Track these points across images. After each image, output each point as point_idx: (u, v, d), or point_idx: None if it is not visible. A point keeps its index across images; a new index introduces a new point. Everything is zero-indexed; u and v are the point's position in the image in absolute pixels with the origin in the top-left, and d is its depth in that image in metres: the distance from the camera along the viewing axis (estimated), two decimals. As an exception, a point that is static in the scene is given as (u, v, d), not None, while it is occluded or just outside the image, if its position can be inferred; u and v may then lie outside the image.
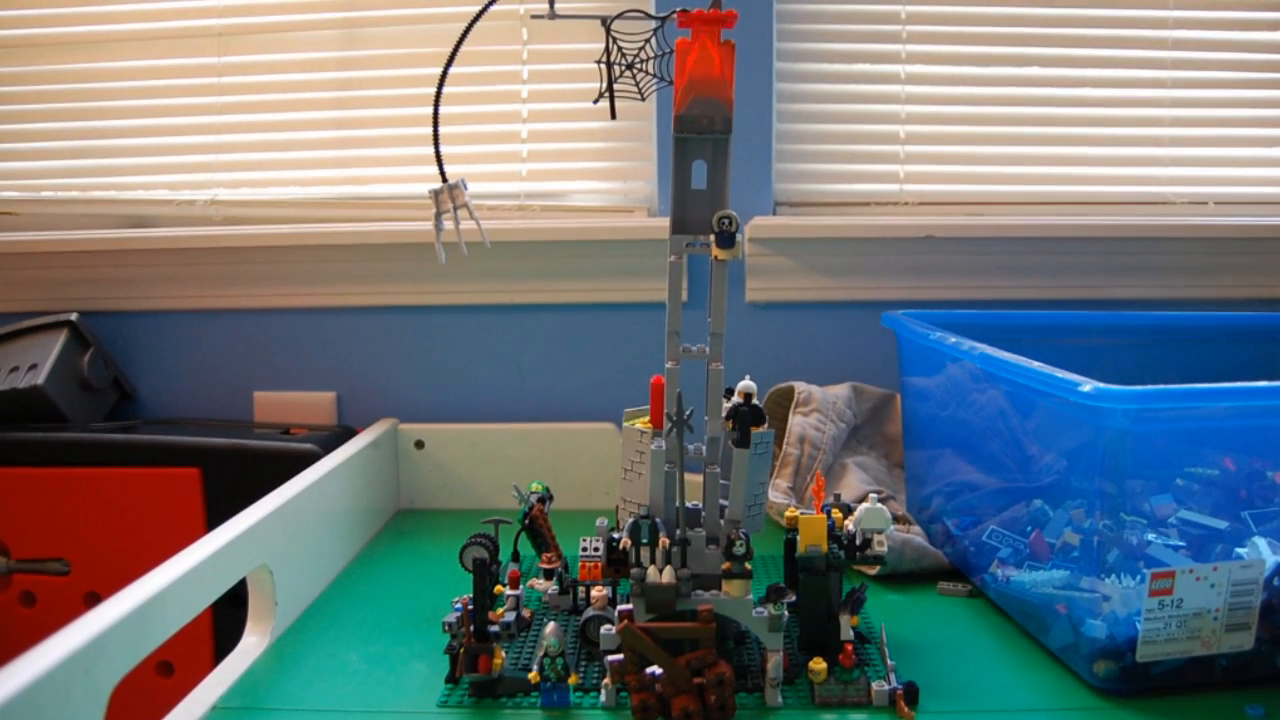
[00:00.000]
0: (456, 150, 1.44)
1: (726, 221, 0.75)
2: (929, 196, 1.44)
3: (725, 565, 0.77)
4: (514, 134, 1.43)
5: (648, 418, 0.92)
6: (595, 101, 0.82)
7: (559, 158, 1.44)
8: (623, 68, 0.80)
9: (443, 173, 0.85)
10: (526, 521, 0.99)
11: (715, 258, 0.77)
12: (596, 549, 0.96)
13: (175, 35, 1.44)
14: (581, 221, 1.40)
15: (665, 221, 1.41)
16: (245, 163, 1.46)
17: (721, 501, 0.80)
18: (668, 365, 0.79)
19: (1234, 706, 0.75)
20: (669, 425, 0.78)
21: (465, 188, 0.85)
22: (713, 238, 0.76)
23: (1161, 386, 0.72)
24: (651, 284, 1.37)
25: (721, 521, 0.80)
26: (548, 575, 0.98)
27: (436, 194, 0.85)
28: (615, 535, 0.81)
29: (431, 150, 1.46)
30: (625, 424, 0.94)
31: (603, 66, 0.81)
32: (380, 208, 1.44)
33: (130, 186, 1.48)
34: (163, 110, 1.46)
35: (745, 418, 0.77)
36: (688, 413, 0.78)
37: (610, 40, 0.80)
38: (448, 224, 0.86)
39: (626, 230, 1.37)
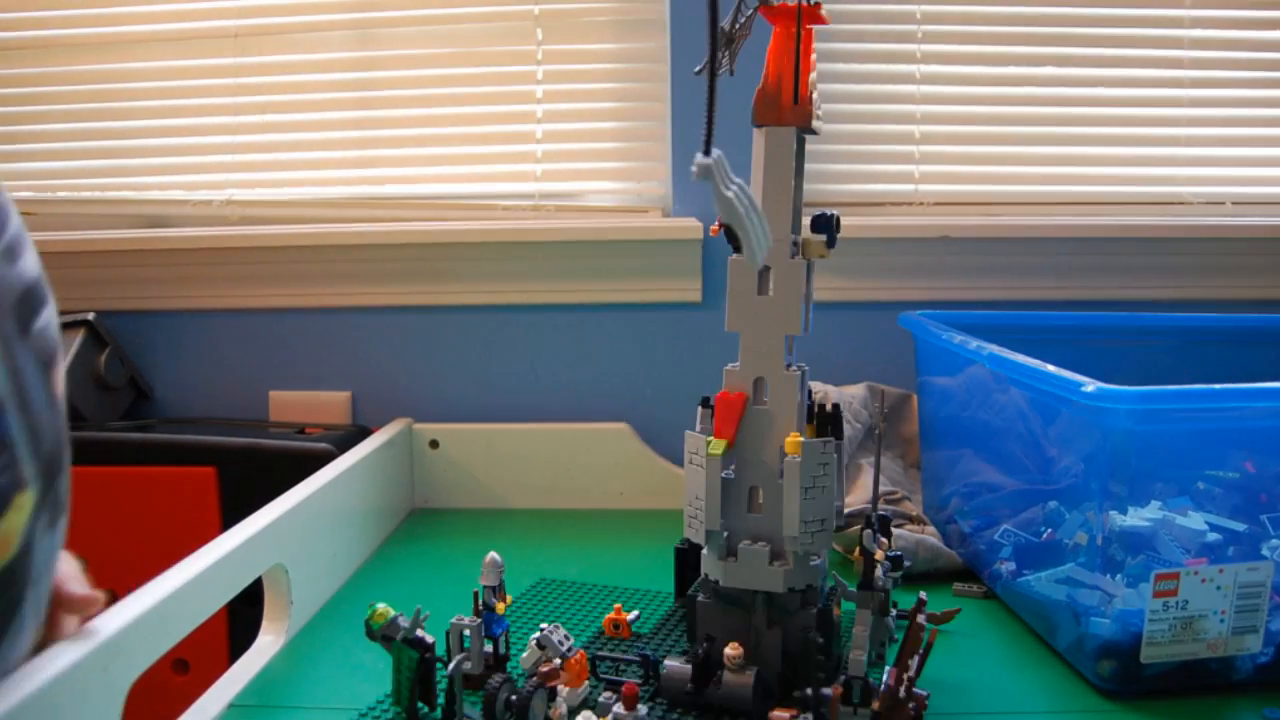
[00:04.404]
0: (471, 150, 1.44)
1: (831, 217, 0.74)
2: (944, 197, 1.44)
3: None
4: (529, 134, 1.43)
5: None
6: (697, 73, 0.75)
7: (573, 158, 1.44)
8: (723, 42, 0.71)
9: (708, 146, 0.68)
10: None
11: (818, 256, 0.76)
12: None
13: (192, 36, 1.45)
14: (596, 221, 1.40)
15: (679, 221, 1.42)
16: (261, 163, 1.47)
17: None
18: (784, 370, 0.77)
19: (1247, 711, 0.75)
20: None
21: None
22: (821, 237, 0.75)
23: (1165, 387, 0.72)
24: (665, 284, 1.37)
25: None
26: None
27: (710, 168, 0.61)
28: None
29: (446, 150, 1.46)
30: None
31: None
32: (395, 208, 1.45)
33: (147, 187, 1.48)
34: (179, 111, 1.46)
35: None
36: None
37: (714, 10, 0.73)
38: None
39: (641, 230, 1.37)
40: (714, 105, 0.60)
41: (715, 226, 0.76)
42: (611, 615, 0.90)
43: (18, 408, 0.54)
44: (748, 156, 0.78)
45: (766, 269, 0.76)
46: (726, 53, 0.70)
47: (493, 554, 0.80)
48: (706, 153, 0.57)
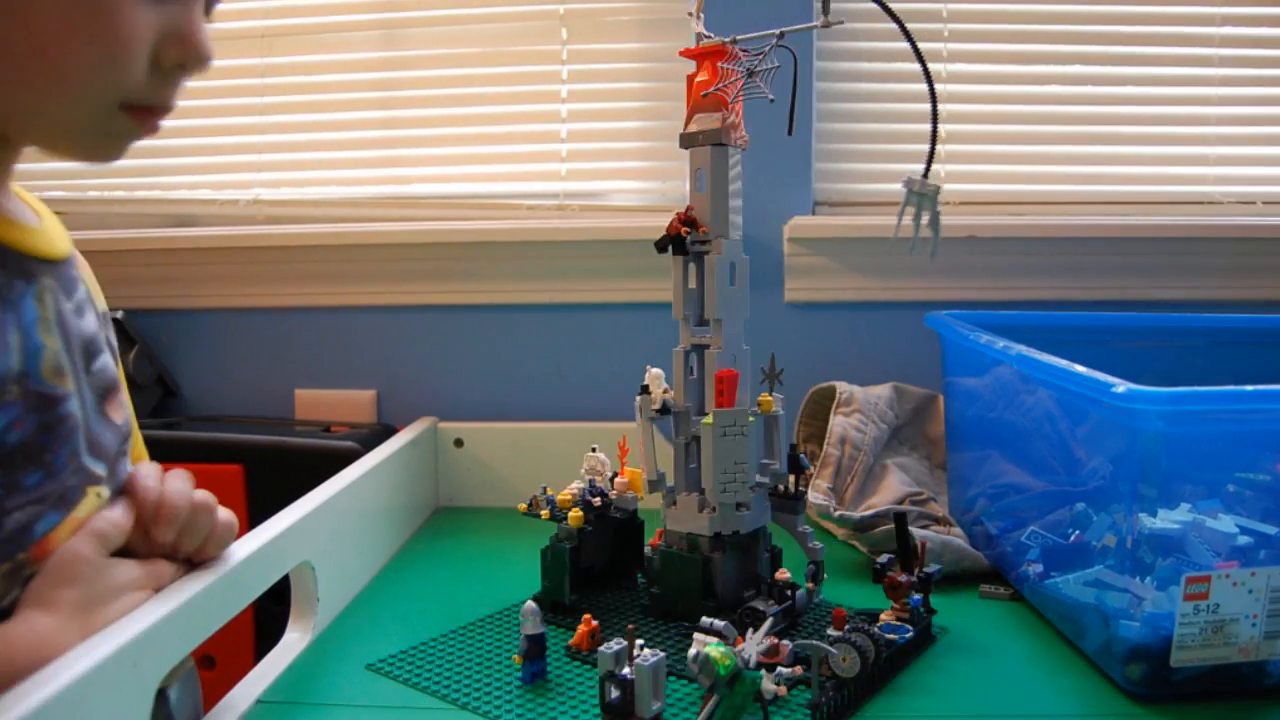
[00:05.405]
0: (496, 150, 1.44)
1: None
2: (971, 196, 1.43)
3: None
4: (554, 134, 1.43)
5: None
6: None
7: (598, 157, 1.44)
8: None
9: (928, 167, 0.89)
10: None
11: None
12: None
13: (220, 36, 1.44)
14: (620, 221, 1.40)
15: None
16: (287, 163, 1.48)
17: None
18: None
19: (1279, 717, 0.74)
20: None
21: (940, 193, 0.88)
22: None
23: (1196, 388, 0.71)
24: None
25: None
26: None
27: (940, 189, 0.90)
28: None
29: (471, 150, 1.46)
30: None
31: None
32: (420, 207, 1.45)
33: (175, 186, 1.50)
34: (207, 111, 1.48)
35: None
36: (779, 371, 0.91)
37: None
38: (906, 219, 0.89)
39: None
40: (935, 139, 0.87)
41: (683, 226, 0.89)
42: (583, 628, 0.83)
43: (85, 427, 0.68)
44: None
45: (731, 265, 0.90)
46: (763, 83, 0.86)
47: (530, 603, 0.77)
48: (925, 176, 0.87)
